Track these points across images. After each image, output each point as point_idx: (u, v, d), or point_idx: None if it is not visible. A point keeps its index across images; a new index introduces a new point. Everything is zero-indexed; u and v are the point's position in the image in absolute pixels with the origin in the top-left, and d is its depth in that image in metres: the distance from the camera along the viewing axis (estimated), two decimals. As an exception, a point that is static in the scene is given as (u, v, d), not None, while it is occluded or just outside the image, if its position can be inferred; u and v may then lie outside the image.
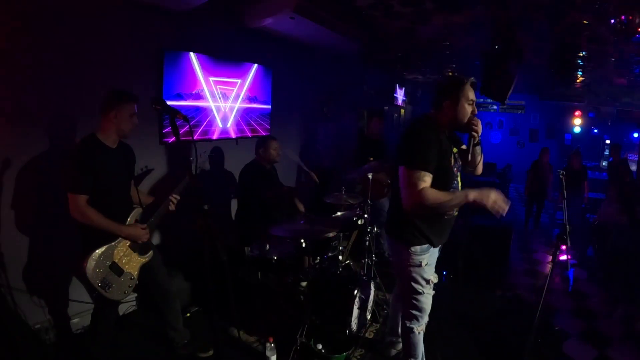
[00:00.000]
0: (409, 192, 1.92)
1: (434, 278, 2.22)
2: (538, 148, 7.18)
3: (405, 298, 2.28)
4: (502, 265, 4.41)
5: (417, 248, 2.10)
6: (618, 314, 3.68)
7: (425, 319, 2.30)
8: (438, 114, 2.09)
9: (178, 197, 2.45)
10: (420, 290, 2.18)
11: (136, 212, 2.37)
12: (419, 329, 2.28)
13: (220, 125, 3.93)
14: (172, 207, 2.44)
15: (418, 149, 1.94)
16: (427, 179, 1.90)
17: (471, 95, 2.05)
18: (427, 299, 2.23)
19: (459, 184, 2.20)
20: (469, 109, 2.04)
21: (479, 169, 2.27)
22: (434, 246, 2.16)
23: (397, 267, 2.25)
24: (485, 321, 3.25)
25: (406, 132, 2.07)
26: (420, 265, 2.13)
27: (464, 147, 2.12)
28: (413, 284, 2.17)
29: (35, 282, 2.65)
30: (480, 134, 2.05)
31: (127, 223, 2.29)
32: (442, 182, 1.98)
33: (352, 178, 4.03)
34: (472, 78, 2.06)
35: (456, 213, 2.17)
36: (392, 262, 2.32)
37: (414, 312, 2.24)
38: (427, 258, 2.14)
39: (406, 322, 2.29)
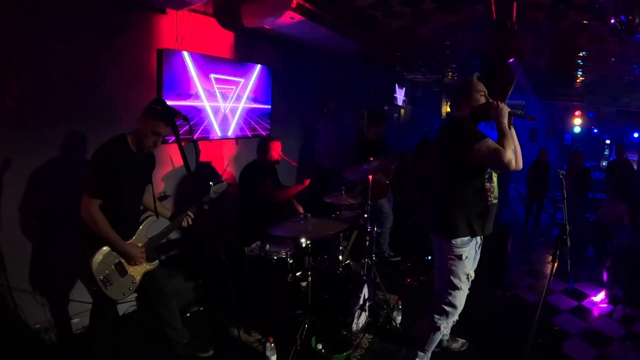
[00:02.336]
0: (497, 161, 2.03)
1: (472, 273, 2.26)
2: (538, 148, 7.19)
3: (441, 292, 2.28)
4: (501, 265, 4.40)
5: (458, 240, 2.14)
6: (618, 314, 3.68)
7: (455, 317, 2.31)
8: (459, 113, 2.26)
9: (193, 216, 2.43)
10: (458, 285, 2.20)
11: (149, 221, 2.37)
12: (446, 326, 2.30)
13: (220, 125, 3.93)
14: (185, 224, 2.44)
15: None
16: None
17: (480, 87, 2.22)
18: (462, 296, 2.25)
19: (494, 175, 2.21)
20: (481, 99, 2.20)
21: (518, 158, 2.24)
22: (477, 235, 2.17)
23: (438, 262, 2.29)
24: (485, 321, 3.24)
25: (451, 132, 2.22)
26: (460, 259, 2.15)
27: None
28: (452, 277, 2.19)
29: (36, 282, 2.65)
30: (501, 115, 2.10)
31: (138, 230, 2.30)
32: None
33: (352, 178, 4.02)
34: (477, 73, 2.28)
35: (495, 201, 2.20)
36: (435, 258, 2.35)
37: (447, 308, 2.26)
38: (468, 251, 2.17)
39: (435, 316, 2.28)
